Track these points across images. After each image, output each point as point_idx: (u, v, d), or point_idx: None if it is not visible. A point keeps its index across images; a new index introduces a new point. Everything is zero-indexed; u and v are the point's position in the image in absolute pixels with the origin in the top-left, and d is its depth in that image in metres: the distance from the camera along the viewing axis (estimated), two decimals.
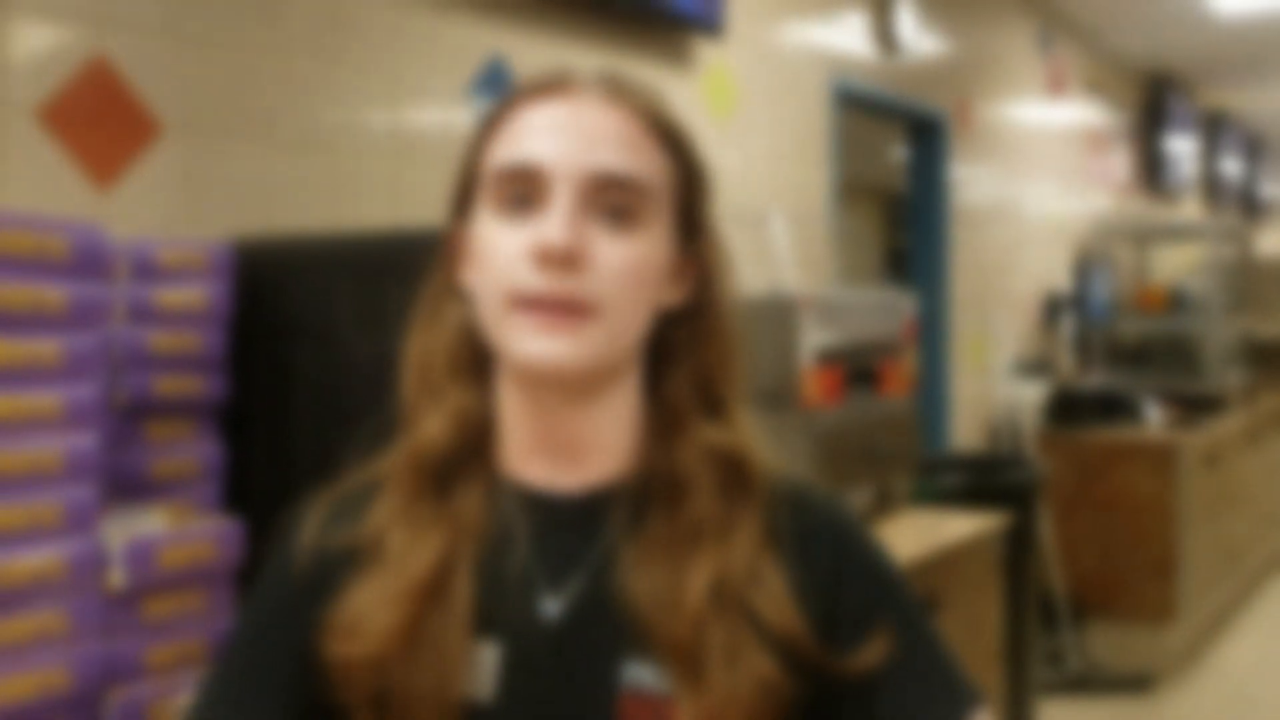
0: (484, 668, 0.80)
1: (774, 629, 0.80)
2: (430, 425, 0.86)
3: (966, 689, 0.85)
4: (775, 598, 0.81)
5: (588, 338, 0.80)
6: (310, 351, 1.56)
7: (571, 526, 0.85)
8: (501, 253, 0.80)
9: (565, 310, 0.79)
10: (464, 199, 0.87)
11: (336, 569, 0.85)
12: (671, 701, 0.79)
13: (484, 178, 0.84)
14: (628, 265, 0.81)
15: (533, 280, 0.79)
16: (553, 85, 0.84)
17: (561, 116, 0.82)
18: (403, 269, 1.51)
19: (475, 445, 0.87)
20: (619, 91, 0.85)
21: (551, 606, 0.82)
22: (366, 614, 0.80)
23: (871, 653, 0.82)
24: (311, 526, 0.88)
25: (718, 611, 0.79)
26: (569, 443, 0.86)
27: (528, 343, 0.79)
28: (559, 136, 0.81)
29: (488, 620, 0.81)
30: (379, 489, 0.88)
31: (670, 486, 0.84)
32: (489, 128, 0.85)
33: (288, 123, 2.04)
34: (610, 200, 0.81)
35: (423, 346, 0.89)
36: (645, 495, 0.85)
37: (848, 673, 0.81)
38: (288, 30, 2.04)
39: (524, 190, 0.81)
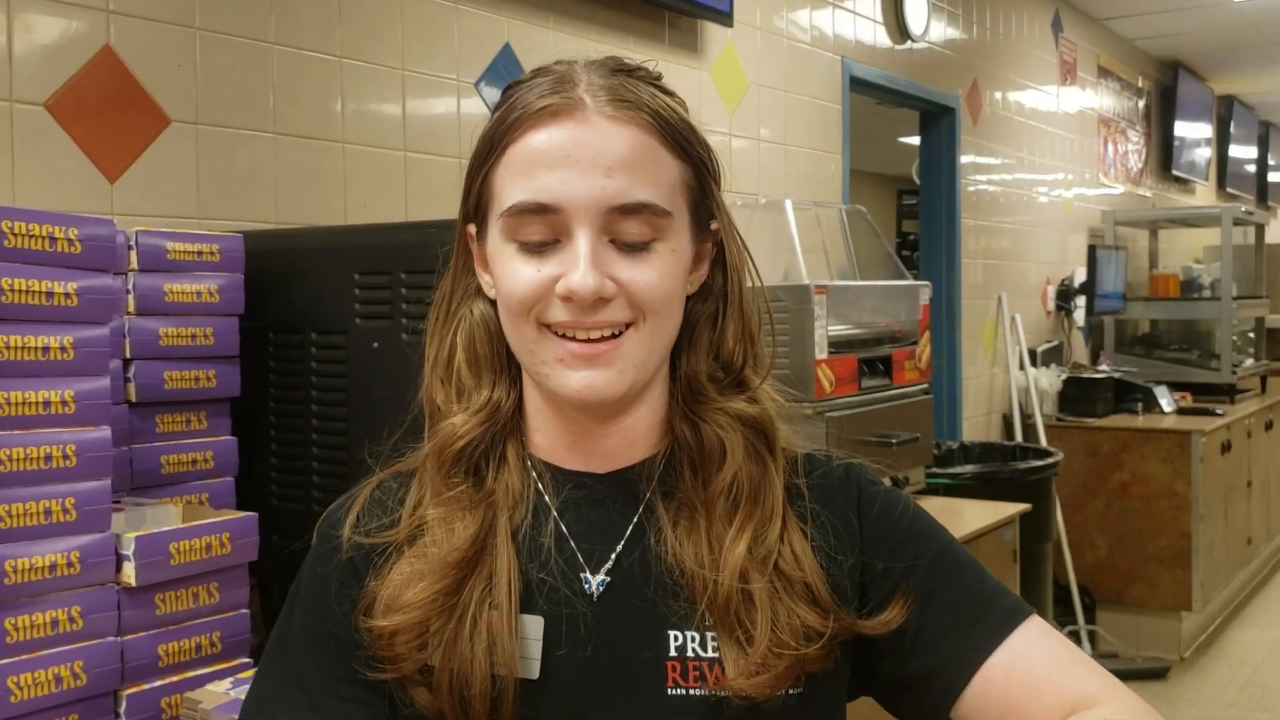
0: (528, 643, 0.81)
1: (802, 584, 0.82)
2: (456, 421, 0.86)
3: (1006, 608, 0.85)
4: (801, 556, 0.83)
5: (624, 363, 0.82)
6: (320, 344, 1.55)
7: (605, 501, 0.86)
8: (524, 284, 0.81)
9: (600, 342, 0.81)
10: (476, 210, 0.87)
11: (376, 557, 0.86)
12: (716, 664, 0.80)
13: (495, 205, 0.84)
14: (651, 285, 0.82)
15: (562, 315, 0.81)
16: (558, 107, 0.81)
17: (571, 144, 0.80)
18: (413, 261, 1.51)
19: (503, 432, 0.88)
20: (624, 98, 0.82)
21: (593, 579, 0.83)
22: (405, 587, 0.81)
23: (903, 607, 0.84)
24: (349, 519, 0.88)
25: (757, 570, 0.81)
26: (602, 444, 0.87)
27: (568, 377, 0.81)
28: (571, 170, 0.80)
29: (529, 595, 0.82)
30: (410, 482, 0.89)
31: (700, 457, 0.86)
32: (495, 143, 0.84)
33: (297, 113, 2.02)
34: (630, 230, 0.81)
35: (444, 345, 0.89)
36: (674, 466, 0.87)
37: (882, 629, 0.83)
38: (297, 21, 2.03)
39: (541, 230, 0.81)
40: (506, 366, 0.89)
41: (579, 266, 0.79)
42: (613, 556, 0.84)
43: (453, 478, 0.86)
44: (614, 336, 0.81)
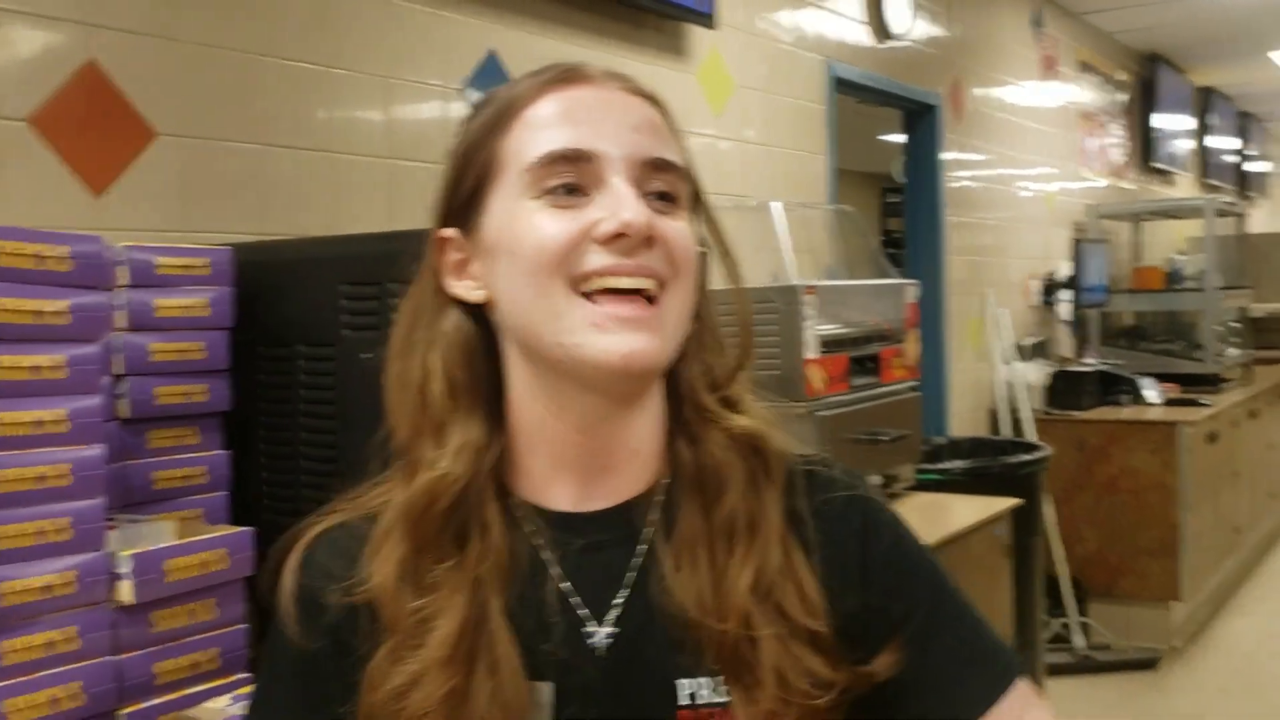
0: (539, 709, 0.77)
1: (803, 627, 0.78)
2: (436, 468, 0.79)
3: (1001, 664, 0.83)
4: (806, 596, 0.79)
5: (667, 327, 0.78)
6: (309, 355, 1.55)
7: (604, 545, 0.81)
8: (558, 233, 0.76)
9: (643, 296, 0.76)
10: (467, 199, 0.81)
11: (344, 630, 0.80)
12: (727, 711, 0.77)
13: (507, 170, 0.79)
14: (686, 240, 0.80)
15: (602, 260, 0.75)
16: (571, 74, 0.81)
17: (596, 103, 0.79)
18: (400, 270, 1.50)
19: (487, 479, 0.80)
20: (631, 82, 0.83)
21: (598, 633, 0.79)
22: (402, 692, 0.75)
23: (904, 650, 0.80)
24: (308, 580, 0.82)
25: (761, 609, 0.78)
26: (605, 454, 0.82)
27: (609, 342, 0.75)
28: (602, 122, 0.78)
29: (536, 662, 0.78)
30: (371, 531, 0.81)
31: (701, 483, 0.81)
32: (500, 119, 0.80)
33: (282, 123, 2.02)
34: (657, 186, 0.79)
35: (413, 371, 0.81)
36: (675, 497, 0.82)
37: (881, 671, 0.80)
38: (280, 31, 2.02)
39: (573, 176, 0.77)
40: (487, 396, 0.82)
41: (628, 203, 0.76)
42: (617, 606, 0.80)
43: (430, 546, 0.78)
44: (650, 302, 0.77)
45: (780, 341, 2.50)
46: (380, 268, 1.48)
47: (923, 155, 4.43)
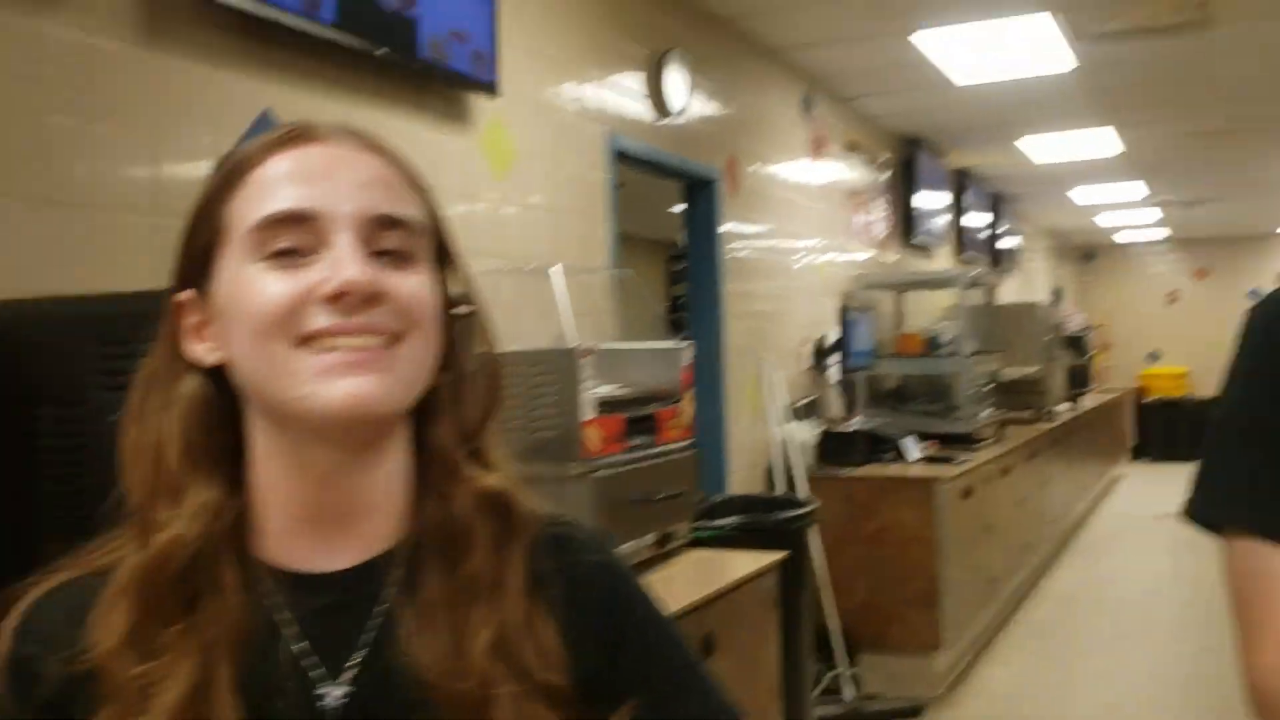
0: None
1: (548, 686, 0.79)
2: (171, 529, 0.77)
3: None
4: (546, 653, 0.80)
5: (399, 370, 0.77)
6: (55, 417, 1.48)
7: (343, 606, 0.80)
8: (278, 294, 0.76)
9: (368, 350, 0.76)
10: (200, 262, 0.81)
11: (59, 703, 0.76)
12: None
13: (234, 232, 0.79)
14: (419, 295, 0.79)
15: (325, 320, 0.75)
16: (299, 133, 0.81)
17: (322, 161, 0.79)
18: (153, 329, 1.47)
19: (223, 541, 0.79)
20: (366, 138, 0.83)
21: (332, 694, 0.78)
22: None
23: (643, 711, 0.83)
24: (24, 647, 0.78)
25: (500, 669, 0.78)
26: (344, 509, 0.81)
27: (334, 388, 0.74)
28: (326, 182, 0.78)
29: None
30: (100, 590, 0.79)
31: (445, 542, 0.81)
32: (229, 181, 0.80)
33: (34, 179, 1.94)
34: (387, 243, 0.79)
35: (150, 434, 0.80)
36: (418, 556, 0.81)
37: None
38: (39, 86, 1.94)
39: (295, 239, 0.76)
40: (227, 457, 0.81)
41: (351, 262, 0.75)
42: (353, 667, 0.79)
43: (157, 611, 0.76)
44: (382, 351, 0.76)
45: (558, 403, 2.56)
46: (134, 327, 1.45)
47: (703, 226, 4.63)
